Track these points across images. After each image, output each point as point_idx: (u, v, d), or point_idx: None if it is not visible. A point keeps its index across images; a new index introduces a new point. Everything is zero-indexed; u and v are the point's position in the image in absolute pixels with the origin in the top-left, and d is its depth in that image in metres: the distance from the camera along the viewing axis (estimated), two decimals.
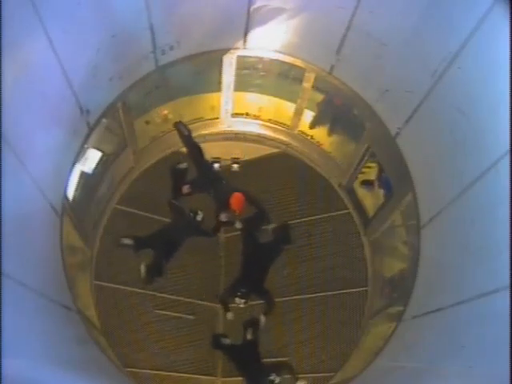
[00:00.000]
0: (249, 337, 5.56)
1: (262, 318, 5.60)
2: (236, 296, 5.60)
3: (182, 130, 5.92)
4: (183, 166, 6.07)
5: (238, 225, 5.89)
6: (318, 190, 6.44)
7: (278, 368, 5.53)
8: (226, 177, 6.04)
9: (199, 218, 5.78)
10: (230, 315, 5.69)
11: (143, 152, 6.21)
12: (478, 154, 3.39)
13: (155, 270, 5.73)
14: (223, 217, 5.82)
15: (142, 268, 5.66)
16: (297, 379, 5.59)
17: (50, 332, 3.41)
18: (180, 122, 5.97)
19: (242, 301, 5.60)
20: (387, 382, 4.21)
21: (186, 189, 5.84)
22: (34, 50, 3.27)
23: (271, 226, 5.98)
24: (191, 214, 5.79)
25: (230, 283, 5.83)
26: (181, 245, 5.78)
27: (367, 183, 6.06)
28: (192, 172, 6.08)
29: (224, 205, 5.68)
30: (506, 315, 2.64)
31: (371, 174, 5.97)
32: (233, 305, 5.73)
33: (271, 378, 5.35)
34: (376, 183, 5.91)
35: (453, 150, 3.73)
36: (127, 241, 5.70)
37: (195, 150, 6.01)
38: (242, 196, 5.62)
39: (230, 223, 5.94)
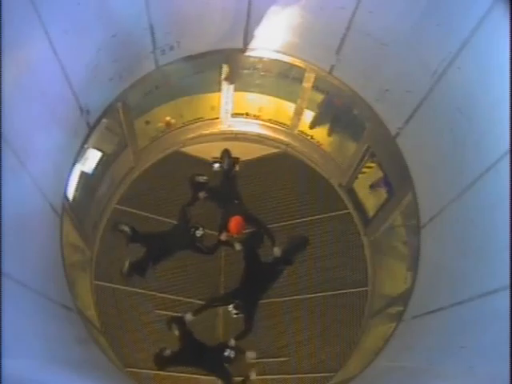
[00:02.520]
0: (176, 333, 5.50)
1: (232, 341, 5.52)
2: (230, 304, 5.53)
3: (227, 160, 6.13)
4: (204, 179, 6.11)
5: (238, 246, 5.85)
6: (318, 190, 6.44)
7: (227, 345, 5.45)
8: (241, 197, 6.03)
9: (198, 233, 5.70)
10: (188, 316, 5.62)
11: (143, 152, 6.22)
12: (478, 154, 3.38)
13: (139, 269, 5.68)
14: (223, 236, 5.82)
15: (126, 264, 5.63)
16: (244, 352, 5.55)
17: (50, 332, 3.40)
18: (227, 150, 6.17)
19: (234, 311, 5.52)
20: (387, 382, 4.20)
21: (202, 195, 6.01)
22: (34, 50, 3.26)
23: (276, 252, 5.85)
24: (192, 229, 5.71)
25: (228, 291, 5.77)
26: (173, 254, 5.77)
27: (375, 185, 6.02)
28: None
29: (226, 224, 5.72)
30: (506, 315, 2.63)
31: (376, 175, 5.91)
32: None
33: (226, 354, 5.30)
34: (383, 184, 5.83)
35: (453, 150, 3.73)
36: (125, 227, 5.68)
37: (230, 169, 6.18)
38: (242, 220, 5.64)
39: (229, 244, 5.91)
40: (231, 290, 5.70)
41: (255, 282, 5.66)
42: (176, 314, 5.70)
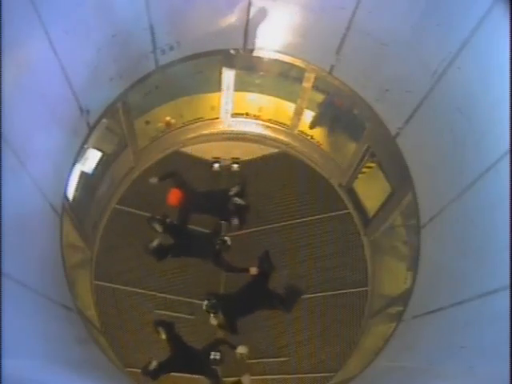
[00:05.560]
0: (163, 337, 5.48)
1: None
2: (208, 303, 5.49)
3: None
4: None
5: (254, 271, 5.66)
6: (318, 190, 6.44)
7: (214, 346, 5.42)
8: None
9: (228, 242, 5.59)
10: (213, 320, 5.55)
11: (143, 152, 6.22)
12: (478, 154, 3.38)
13: (159, 253, 5.69)
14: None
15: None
16: (235, 347, 5.49)
17: (50, 332, 3.40)
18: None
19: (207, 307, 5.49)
20: (387, 382, 4.20)
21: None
22: (34, 50, 3.27)
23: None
24: (219, 241, 5.58)
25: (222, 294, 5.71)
26: (193, 256, 5.80)
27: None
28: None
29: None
30: (506, 315, 2.63)
31: (376, 175, 5.80)
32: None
33: (212, 357, 5.28)
34: None
35: (453, 150, 3.73)
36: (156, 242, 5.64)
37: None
38: (180, 192, 5.67)
39: (244, 270, 5.73)
40: (223, 294, 5.67)
41: (251, 300, 5.59)
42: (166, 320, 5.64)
